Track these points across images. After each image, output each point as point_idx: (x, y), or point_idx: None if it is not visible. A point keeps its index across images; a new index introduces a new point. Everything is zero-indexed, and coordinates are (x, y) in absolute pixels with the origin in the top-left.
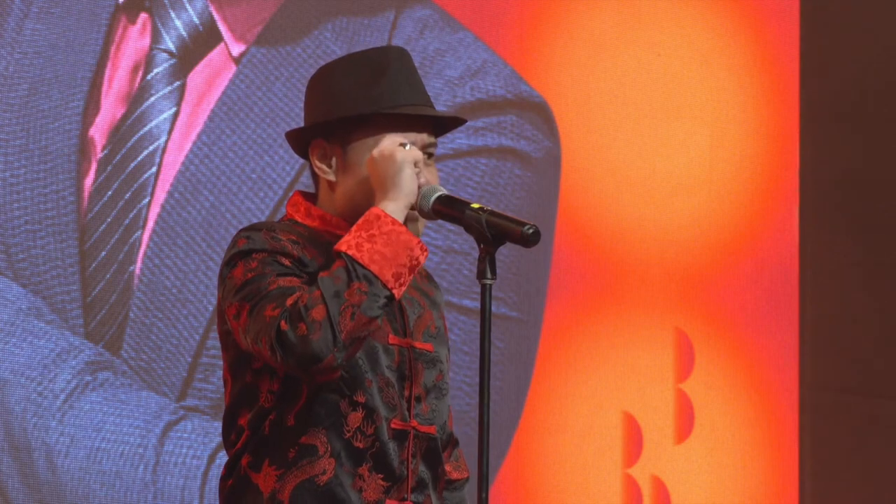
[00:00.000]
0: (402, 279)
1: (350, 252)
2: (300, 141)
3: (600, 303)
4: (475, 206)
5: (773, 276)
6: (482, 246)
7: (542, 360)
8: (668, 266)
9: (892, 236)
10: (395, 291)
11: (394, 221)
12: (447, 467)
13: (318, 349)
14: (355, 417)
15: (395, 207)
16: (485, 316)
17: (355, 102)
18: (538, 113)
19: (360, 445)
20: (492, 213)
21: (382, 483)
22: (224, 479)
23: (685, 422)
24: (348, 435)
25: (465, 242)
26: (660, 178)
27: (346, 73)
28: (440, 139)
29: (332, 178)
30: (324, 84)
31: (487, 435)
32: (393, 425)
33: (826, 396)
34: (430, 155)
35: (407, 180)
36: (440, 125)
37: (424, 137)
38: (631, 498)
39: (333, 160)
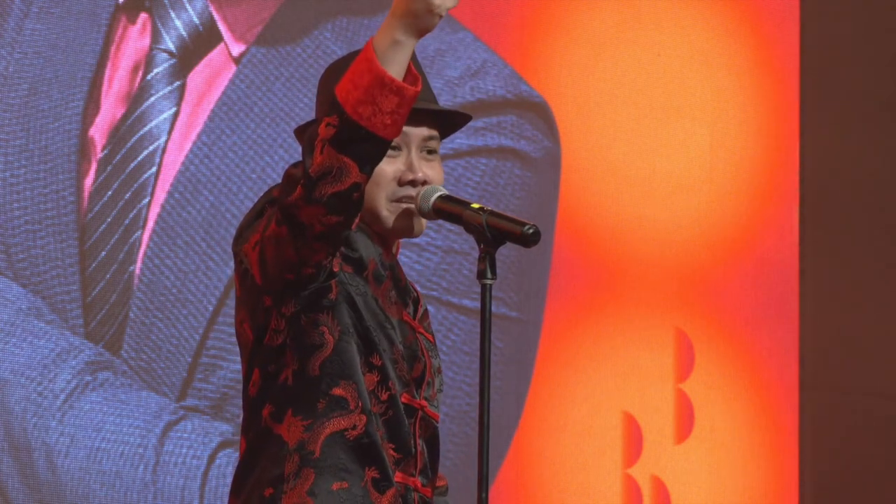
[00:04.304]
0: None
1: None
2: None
3: (600, 303)
4: (475, 206)
5: (773, 276)
6: (482, 246)
7: (542, 360)
8: (668, 266)
9: (893, 236)
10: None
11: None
12: None
13: (295, 176)
14: (371, 379)
15: (401, 40)
16: (485, 316)
17: None
18: (538, 113)
19: (375, 410)
20: (492, 213)
21: (394, 454)
22: (243, 432)
23: (685, 422)
24: (367, 394)
25: (465, 242)
26: (660, 178)
27: (347, 68)
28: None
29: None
30: (327, 81)
31: (487, 435)
32: (403, 399)
33: (826, 396)
34: (431, 150)
35: (432, 17)
36: (444, 121)
37: (423, 131)
38: (631, 498)
39: None
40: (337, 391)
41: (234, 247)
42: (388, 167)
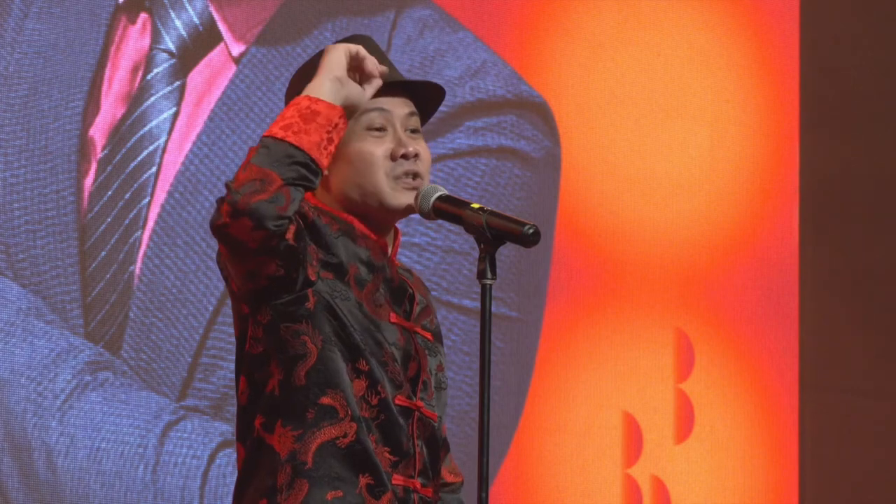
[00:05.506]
0: (294, 128)
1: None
2: None
3: (600, 303)
4: (475, 206)
5: (773, 276)
6: (482, 246)
7: (542, 360)
8: (668, 266)
9: (892, 236)
10: (284, 136)
11: (308, 99)
12: (444, 470)
13: (219, 203)
14: (359, 385)
15: (317, 84)
16: (485, 316)
17: None
18: (538, 113)
19: (366, 415)
20: (492, 213)
21: (390, 457)
22: (240, 441)
23: (685, 422)
24: (355, 401)
25: (465, 242)
26: (660, 178)
27: (315, 66)
28: (440, 139)
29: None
30: (297, 85)
31: (487, 435)
32: (397, 401)
33: (826, 396)
34: (414, 129)
35: (333, 58)
36: (419, 96)
37: (402, 107)
38: (631, 498)
39: None
40: (324, 400)
41: (217, 256)
42: (378, 148)
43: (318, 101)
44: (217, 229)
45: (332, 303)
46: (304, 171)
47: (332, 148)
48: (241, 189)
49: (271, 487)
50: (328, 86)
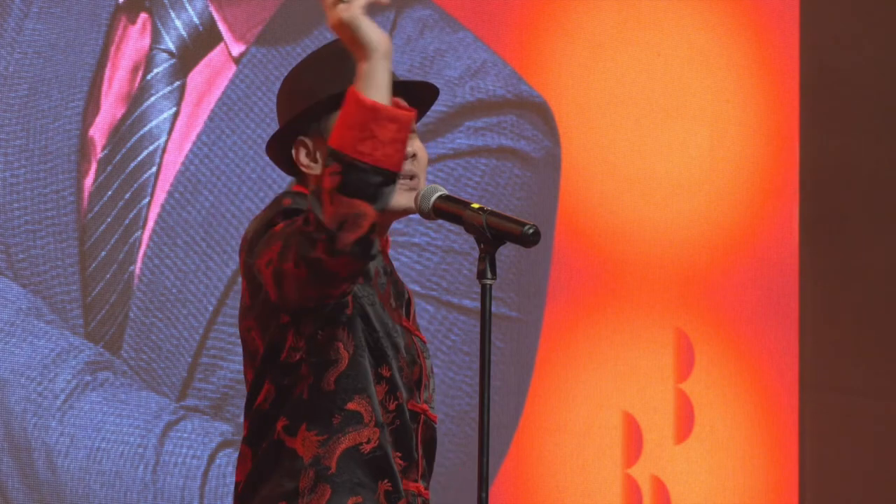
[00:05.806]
0: (372, 144)
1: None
2: (282, 152)
3: (600, 303)
4: (475, 206)
5: (773, 276)
6: (482, 246)
7: (542, 360)
8: (668, 266)
9: (892, 236)
10: (363, 157)
11: (372, 104)
12: None
13: (309, 233)
14: (380, 390)
15: (373, 76)
16: (485, 316)
17: (325, 87)
18: (538, 113)
19: (383, 420)
20: (492, 213)
21: (400, 462)
22: (249, 444)
23: (685, 422)
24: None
25: (465, 242)
26: (660, 178)
27: (311, 67)
28: (440, 139)
29: (320, 171)
30: (291, 85)
31: (487, 435)
32: (409, 406)
33: (826, 396)
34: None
35: (369, 32)
36: (415, 97)
37: (398, 103)
38: (631, 498)
39: (318, 154)
40: (351, 406)
41: (247, 258)
42: None
43: (390, 111)
44: (311, 263)
45: (364, 307)
46: (390, 188)
47: (406, 150)
48: (335, 227)
49: (292, 491)
50: (383, 72)
